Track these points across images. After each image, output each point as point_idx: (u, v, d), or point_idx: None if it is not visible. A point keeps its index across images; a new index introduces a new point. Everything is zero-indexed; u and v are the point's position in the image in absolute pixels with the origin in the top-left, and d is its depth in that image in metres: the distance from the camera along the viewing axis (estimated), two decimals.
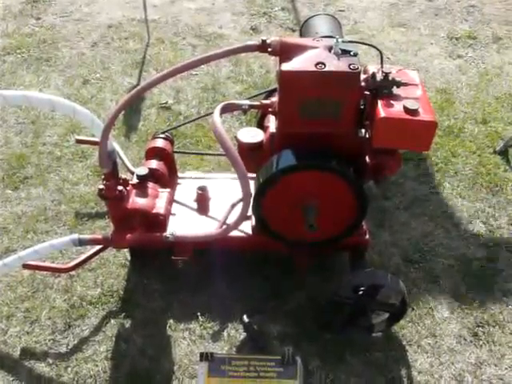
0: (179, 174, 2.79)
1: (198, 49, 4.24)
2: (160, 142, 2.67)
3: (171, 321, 2.46)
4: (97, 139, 2.93)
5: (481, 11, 4.98)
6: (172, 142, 2.74)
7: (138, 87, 2.15)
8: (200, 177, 2.84)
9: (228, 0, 5.04)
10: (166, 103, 3.64)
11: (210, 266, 2.62)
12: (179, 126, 3.06)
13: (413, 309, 2.51)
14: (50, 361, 2.32)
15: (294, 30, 4.59)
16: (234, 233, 2.35)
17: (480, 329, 2.46)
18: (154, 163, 2.56)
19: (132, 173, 2.69)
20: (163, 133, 2.73)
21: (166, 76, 2.14)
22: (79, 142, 2.94)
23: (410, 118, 2.04)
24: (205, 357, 2.00)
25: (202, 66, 4.04)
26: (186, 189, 2.70)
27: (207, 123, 3.47)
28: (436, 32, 4.62)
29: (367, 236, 2.49)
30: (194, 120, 3.12)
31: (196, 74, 3.95)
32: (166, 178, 2.58)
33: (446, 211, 2.98)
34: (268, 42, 2.11)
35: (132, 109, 3.57)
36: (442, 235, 2.86)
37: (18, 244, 2.76)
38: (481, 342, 2.42)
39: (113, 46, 4.27)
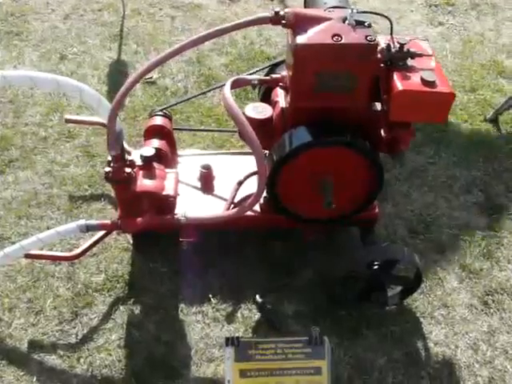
0: (179, 153, 2.70)
1: (176, 20, 4.07)
2: (159, 120, 2.56)
3: (182, 304, 2.39)
4: (87, 118, 2.85)
5: None
6: (171, 119, 2.64)
7: (147, 64, 2.04)
8: (200, 154, 2.76)
9: None
10: (151, 78, 3.50)
11: (215, 246, 2.56)
12: (179, 102, 2.94)
13: (423, 280, 2.51)
14: (61, 352, 2.22)
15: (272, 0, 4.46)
16: None
17: (489, 297, 2.49)
18: (156, 142, 2.46)
19: (129, 153, 2.58)
20: (161, 110, 2.62)
21: (176, 52, 2.03)
22: (68, 121, 2.80)
23: (429, 90, 2.00)
24: (231, 341, 1.94)
25: (183, 38, 3.89)
26: (187, 167, 2.61)
27: (196, 98, 3.36)
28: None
29: (377, 210, 2.47)
30: (196, 96, 3.03)
31: None
32: (169, 158, 2.48)
33: (445, 181, 2.98)
34: (281, 13, 2.03)
35: (116, 85, 3.40)
36: (444, 205, 2.86)
37: (11, 231, 2.62)
38: (491, 311, 2.45)
39: (87, 18, 4.06)
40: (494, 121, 3.35)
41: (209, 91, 2.97)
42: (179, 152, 2.71)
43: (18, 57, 3.65)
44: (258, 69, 2.62)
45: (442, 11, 4.41)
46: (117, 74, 3.56)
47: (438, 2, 4.51)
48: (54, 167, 2.93)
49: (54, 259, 2.41)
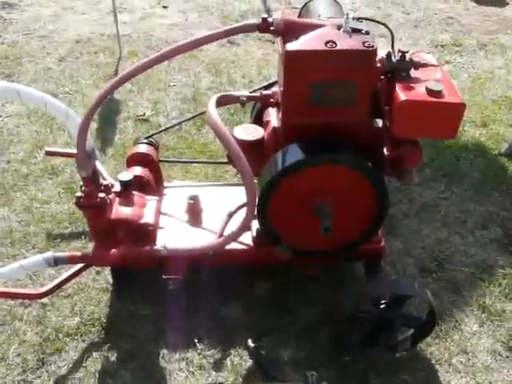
0: (165, 184, 2.48)
1: (174, 61, 3.95)
2: (143, 148, 2.36)
3: (164, 350, 2.11)
4: (68, 150, 2.65)
5: (459, 22, 4.86)
6: (157, 148, 2.43)
7: (121, 74, 1.87)
8: (188, 185, 2.54)
9: (202, 15, 4.82)
10: (144, 115, 3.35)
11: (204, 285, 2.30)
12: (166, 129, 2.77)
13: (438, 323, 2.21)
14: None
15: (273, 42, 4.36)
16: (233, 246, 2.05)
17: None
18: (138, 170, 2.25)
19: (104, 178, 2.38)
20: (147, 138, 2.43)
21: (157, 60, 1.85)
22: (49, 154, 2.62)
23: (435, 100, 1.79)
24: None
25: (180, 77, 3.78)
26: (175, 199, 2.38)
27: (189, 134, 3.20)
28: (419, 42, 4.47)
29: (383, 242, 2.21)
30: (184, 121, 2.86)
31: (174, 86, 3.67)
32: (152, 187, 2.26)
33: (459, 216, 2.73)
34: (270, 20, 1.85)
35: (106, 121, 3.28)
36: (458, 242, 2.60)
37: None
38: None
39: (82, 60, 3.97)
40: (510, 155, 3.12)
41: (196, 117, 2.76)
42: (167, 184, 2.49)
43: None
44: (251, 91, 2.43)
45: (449, 51, 4.28)
46: (109, 112, 3.40)
47: (445, 42, 4.41)
48: (34, 204, 2.72)
49: (18, 297, 2.15)
